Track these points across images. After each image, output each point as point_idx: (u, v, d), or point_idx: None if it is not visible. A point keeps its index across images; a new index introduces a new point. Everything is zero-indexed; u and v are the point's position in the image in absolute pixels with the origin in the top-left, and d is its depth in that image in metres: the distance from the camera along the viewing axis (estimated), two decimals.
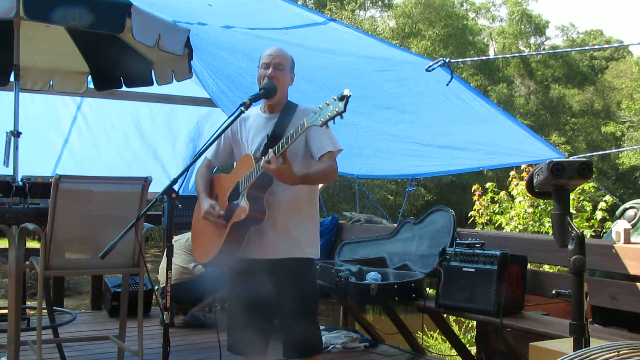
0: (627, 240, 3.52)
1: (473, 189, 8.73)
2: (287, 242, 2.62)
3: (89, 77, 5.08)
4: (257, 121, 2.75)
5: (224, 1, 4.75)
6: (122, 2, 3.49)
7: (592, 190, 8.35)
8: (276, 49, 2.74)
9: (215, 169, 2.99)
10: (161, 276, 4.86)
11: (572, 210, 7.16)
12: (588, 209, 7.67)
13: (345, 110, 2.22)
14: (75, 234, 3.30)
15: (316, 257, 2.73)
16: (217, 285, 4.34)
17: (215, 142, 2.83)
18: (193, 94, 5.75)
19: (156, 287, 4.99)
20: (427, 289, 4.18)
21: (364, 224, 5.41)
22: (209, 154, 2.89)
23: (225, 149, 2.86)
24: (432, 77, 4.54)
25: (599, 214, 7.44)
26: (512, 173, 8.14)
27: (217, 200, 2.75)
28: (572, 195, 7.25)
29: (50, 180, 3.16)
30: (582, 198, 7.65)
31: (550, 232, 5.34)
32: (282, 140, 2.46)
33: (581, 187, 7.36)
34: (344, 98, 2.21)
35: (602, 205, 7.45)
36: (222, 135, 2.79)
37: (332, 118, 2.24)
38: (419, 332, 4.88)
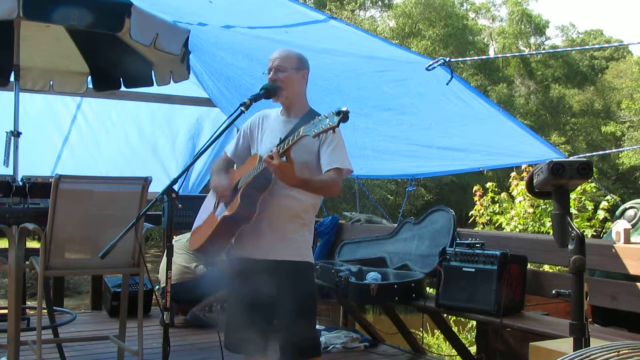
0: (627, 240, 3.52)
1: (474, 189, 8.73)
2: (287, 245, 2.62)
3: (89, 78, 5.08)
4: (274, 123, 2.74)
5: None
6: (123, 2, 3.48)
7: (594, 190, 8.32)
8: (278, 51, 2.71)
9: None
10: (162, 276, 4.86)
11: (573, 210, 7.16)
12: (589, 208, 7.65)
13: (338, 125, 2.23)
14: (75, 234, 3.30)
15: (312, 262, 2.74)
16: (219, 285, 4.35)
17: (235, 139, 2.84)
18: (193, 94, 5.75)
19: (157, 287, 4.99)
20: (427, 289, 4.18)
21: (364, 224, 5.40)
22: (228, 150, 2.87)
23: (244, 147, 2.83)
24: (432, 77, 4.53)
25: (600, 214, 7.43)
26: (513, 174, 8.13)
27: None
28: (573, 195, 7.24)
29: (50, 180, 3.17)
30: (583, 198, 7.64)
31: (551, 232, 5.34)
32: (286, 139, 2.44)
33: (582, 187, 7.35)
34: (340, 113, 2.22)
35: (603, 204, 7.43)
36: (242, 132, 2.81)
37: (325, 131, 2.25)
38: (419, 332, 4.88)
